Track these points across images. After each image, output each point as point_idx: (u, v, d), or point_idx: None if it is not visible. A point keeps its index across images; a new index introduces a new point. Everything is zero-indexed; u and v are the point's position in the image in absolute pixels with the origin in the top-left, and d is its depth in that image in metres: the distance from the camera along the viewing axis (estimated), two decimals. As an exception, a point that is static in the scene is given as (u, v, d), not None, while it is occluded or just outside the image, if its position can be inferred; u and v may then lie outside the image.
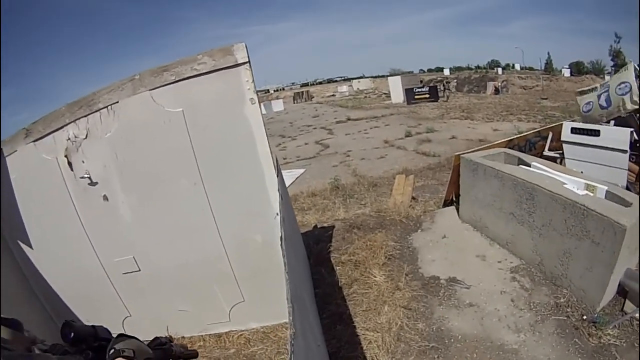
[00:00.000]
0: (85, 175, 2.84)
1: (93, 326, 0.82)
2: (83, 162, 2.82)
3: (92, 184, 2.87)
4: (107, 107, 2.72)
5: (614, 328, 2.58)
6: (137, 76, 2.70)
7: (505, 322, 2.91)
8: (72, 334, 0.77)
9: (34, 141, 2.79)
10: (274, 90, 69.85)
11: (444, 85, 25.43)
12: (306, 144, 13.35)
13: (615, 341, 2.50)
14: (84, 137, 2.77)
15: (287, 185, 8.00)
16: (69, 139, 2.80)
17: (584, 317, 2.72)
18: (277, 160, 3.20)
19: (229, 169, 2.84)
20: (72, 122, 2.74)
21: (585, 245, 2.80)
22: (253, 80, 2.66)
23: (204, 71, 2.64)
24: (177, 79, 2.66)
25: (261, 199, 2.89)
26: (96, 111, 2.72)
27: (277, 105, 33.02)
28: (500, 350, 2.65)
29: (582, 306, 2.85)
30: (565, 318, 2.78)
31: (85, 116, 2.73)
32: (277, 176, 2.83)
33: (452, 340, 2.83)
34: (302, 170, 9.29)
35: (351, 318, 3.19)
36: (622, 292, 2.78)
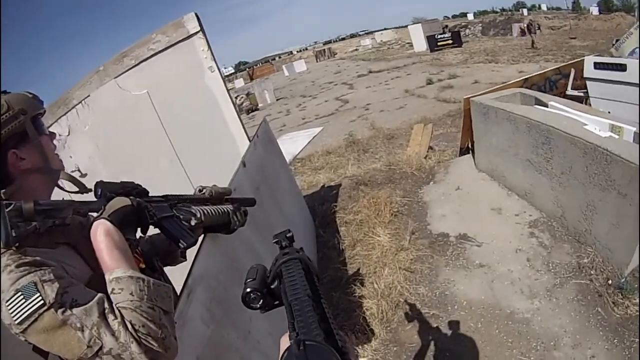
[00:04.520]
0: (75, 169, 2.81)
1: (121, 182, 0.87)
2: (71, 157, 2.81)
3: (83, 175, 2.82)
4: (80, 102, 2.69)
5: (645, 296, 2.03)
6: (101, 67, 2.67)
7: (518, 285, 2.46)
8: (100, 191, 0.82)
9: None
10: (297, 51, 66.48)
11: (528, 27, 18.80)
12: (326, 101, 12.50)
13: (645, 312, 1.97)
14: (67, 134, 2.80)
15: (303, 145, 7.61)
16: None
17: (609, 282, 2.18)
18: (265, 122, 3.07)
19: (201, 141, 2.71)
20: (54, 122, 2.74)
21: (610, 196, 2.18)
22: (210, 49, 2.49)
23: (160, 49, 2.55)
24: (136, 62, 2.59)
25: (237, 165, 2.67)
26: (72, 108, 2.71)
27: (300, 66, 30.97)
28: (509, 319, 2.23)
29: (607, 268, 2.29)
30: (588, 282, 2.26)
31: (65, 114, 2.74)
32: (251, 140, 2.56)
33: (456, 306, 2.45)
34: (319, 129, 8.74)
35: (349, 284, 2.86)
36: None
